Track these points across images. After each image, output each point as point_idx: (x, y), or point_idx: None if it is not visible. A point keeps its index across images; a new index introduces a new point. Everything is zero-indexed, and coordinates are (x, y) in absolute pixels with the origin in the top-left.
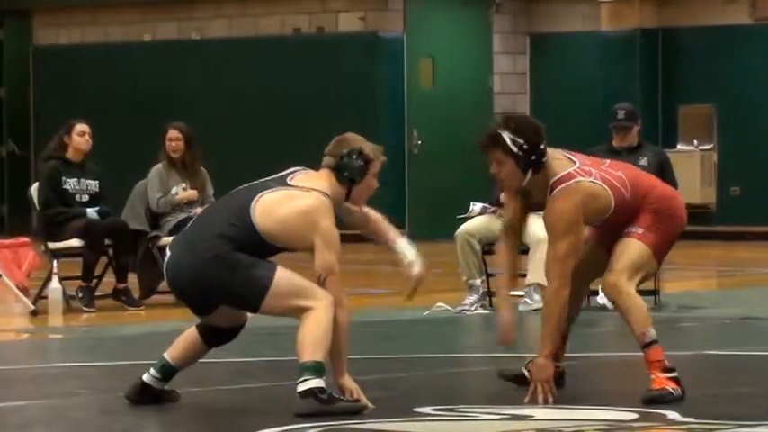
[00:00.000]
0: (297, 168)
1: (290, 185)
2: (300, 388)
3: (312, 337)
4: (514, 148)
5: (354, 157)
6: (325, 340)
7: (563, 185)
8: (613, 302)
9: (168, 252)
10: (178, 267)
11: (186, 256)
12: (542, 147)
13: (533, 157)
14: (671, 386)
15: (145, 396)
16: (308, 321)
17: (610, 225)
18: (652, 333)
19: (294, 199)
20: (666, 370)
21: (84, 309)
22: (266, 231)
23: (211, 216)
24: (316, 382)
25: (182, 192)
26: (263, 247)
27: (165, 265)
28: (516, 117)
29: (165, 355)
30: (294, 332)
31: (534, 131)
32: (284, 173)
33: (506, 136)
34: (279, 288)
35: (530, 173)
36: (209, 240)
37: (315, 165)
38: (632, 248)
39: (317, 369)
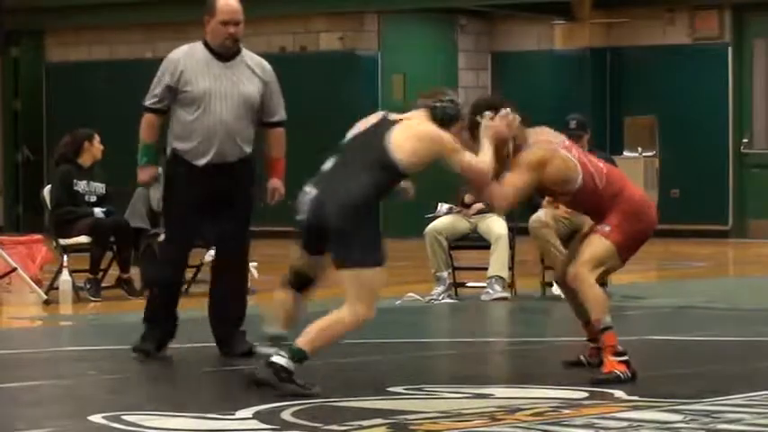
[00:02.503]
0: (382, 112)
1: (402, 120)
2: (273, 358)
3: (321, 332)
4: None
5: (451, 104)
6: (328, 341)
7: (540, 142)
8: (576, 291)
9: (308, 191)
10: (321, 207)
11: (332, 200)
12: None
13: None
14: (620, 369)
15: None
16: (334, 318)
17: (580, 210)
18: (606, 320)
19: (415, 127)
20: (617, 354)
21: (92, 298)
22: (404, 162)
23: (351, 164)
24: (287, 363)
25: None
26: (394, 183)
27: (306, 202)
28: (483, 99)
29: (275, 329)
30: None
31: (503, 104)
32: (379, 118)
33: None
34: (369, 275)
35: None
36: (356, 188)
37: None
38: (596, 244)
39: (298, 355)
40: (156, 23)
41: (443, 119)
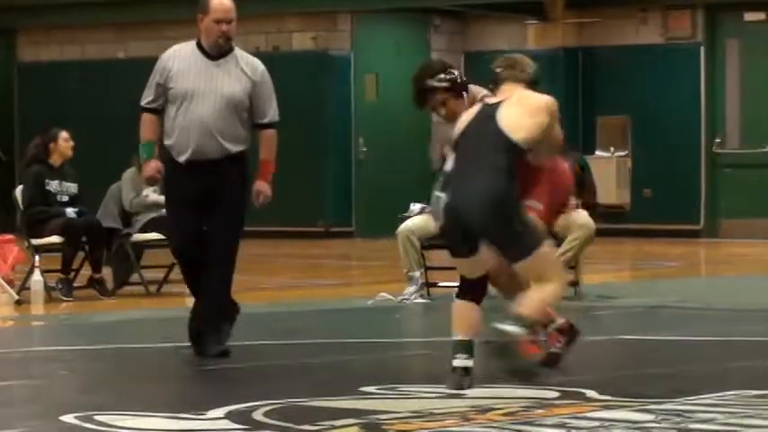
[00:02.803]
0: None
1: (504, 101)
2: (504, 326)
3: (539, 301)
4: (446, 84)
5: (535, 70)
6: (546, 310)
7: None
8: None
9: (440, 196)
10: (459, 212)
11: (471, 203)
12: (458, 71)
13: (461, 80)
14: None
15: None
16: (546, 288)
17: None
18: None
19: (525, 101)
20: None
21: (64, 298)
22: (524, 140)
23: (476, 160)
24: (519, 332)
25: (152, 194)
26: (522, 160)
27: (441, 209)
28: (427, 64)
29: (461, 336)
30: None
31: (448, 65)
32: (479, 107)
33: (434, 82)
34: (542, 255)
35: (465, 96)
36: (490, 184)
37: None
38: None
39: (528, 323)
40: (127, 23)
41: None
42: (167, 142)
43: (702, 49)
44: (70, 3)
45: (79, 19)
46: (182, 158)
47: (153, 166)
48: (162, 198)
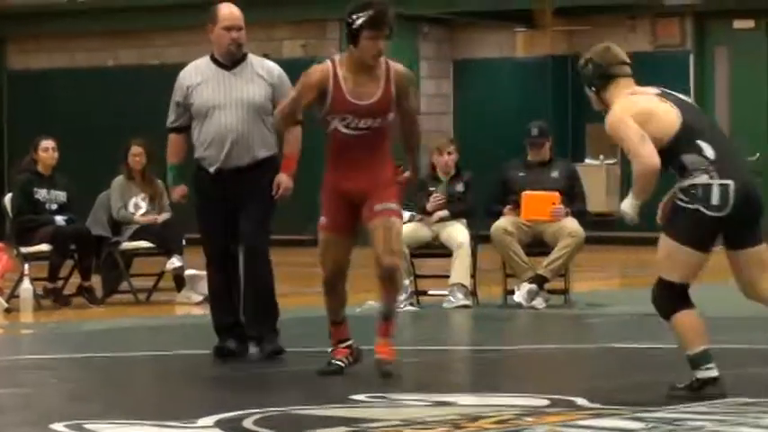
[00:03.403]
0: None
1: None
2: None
3: None
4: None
5: None
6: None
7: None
8: (391, 280)
9: (725, 182)
10: (757, 197)
11: (756, 186)
12: None
13: None
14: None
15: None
16: None
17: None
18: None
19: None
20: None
21: (61, 305)
22: None
23: (732, 145)
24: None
25: (141, 201)
26: None
27: (731, 194)
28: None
29: (705, 346)
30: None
31: None
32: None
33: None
34: None
35: None
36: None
37: None
38: (397, 227)
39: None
40: (116, 31)
41: None
42: (197, 154)
43: (691, 56)
44: (59, 11)
45: (68, 27)
46: (212, 168)
47: (178, 192)
48: (151, 219)
